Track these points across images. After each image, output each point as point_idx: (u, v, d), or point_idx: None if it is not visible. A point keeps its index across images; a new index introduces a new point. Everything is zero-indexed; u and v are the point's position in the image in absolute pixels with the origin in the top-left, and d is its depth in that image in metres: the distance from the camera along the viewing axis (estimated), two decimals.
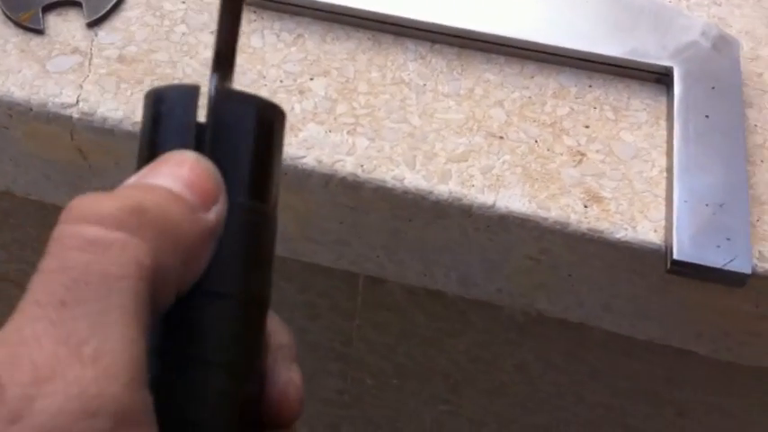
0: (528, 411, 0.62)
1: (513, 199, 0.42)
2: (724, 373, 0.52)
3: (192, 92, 0.25)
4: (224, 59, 0.26)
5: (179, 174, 0.24)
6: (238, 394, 0.25)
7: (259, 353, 0.26)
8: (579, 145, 0.45)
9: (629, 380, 0.56)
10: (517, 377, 0.58)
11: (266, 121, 0.26)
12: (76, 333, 0.20)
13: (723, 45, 0.47)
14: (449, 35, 0.48)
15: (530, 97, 0.46)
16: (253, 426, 0.26)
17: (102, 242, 0.21)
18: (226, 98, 0.25)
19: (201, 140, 0.25)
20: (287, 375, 0.27)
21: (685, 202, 0.42)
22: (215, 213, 0.24)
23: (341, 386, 0.63)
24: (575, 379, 0.57)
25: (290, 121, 0.43)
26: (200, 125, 0.25)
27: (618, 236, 0.42)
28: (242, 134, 0.26)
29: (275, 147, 0.27)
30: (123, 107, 0.43)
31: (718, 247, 0.41)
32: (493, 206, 0.42)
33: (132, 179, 0.24)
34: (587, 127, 0.45)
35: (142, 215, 0.22)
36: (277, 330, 0.27)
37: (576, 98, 0.47)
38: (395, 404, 0.64)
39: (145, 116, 0.26)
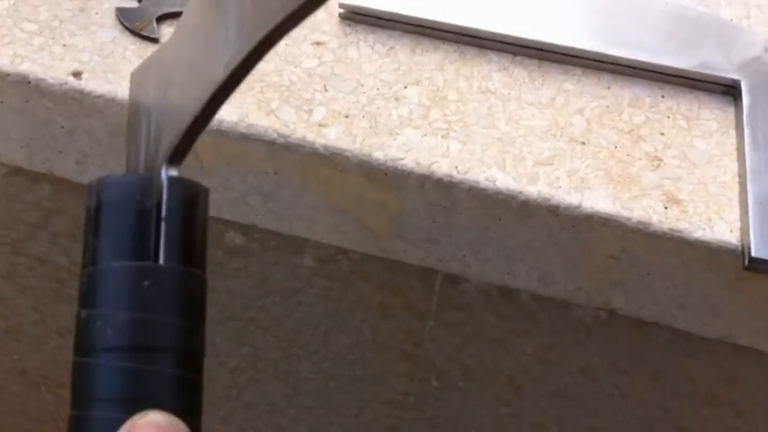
0: (588, 414, 0.64)
1: (598, 200, 0.45)
2: None
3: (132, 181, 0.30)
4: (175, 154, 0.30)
5: None
6: None
7: (197, 394, 0.30)
8: (656, 151, 0.47)
9: (690, 381, 0.58)
10: (581, 379, 0.61)
11: (189, 198, 0.30)
12: None
13: None
14: (529, 47, 0.51)
15: (607, 106, 0.49)
16: None
17: None
18: (149, 183, 0.29)
19: (147, 222, 0.29)
20: None
21: (759, 204, 0.45)
22: None
23: (407, 388, 0.66)
24: (637, 380, 0.59)
25: (388, 125, 0.46)
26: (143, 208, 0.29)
27: (696, 235, 0.45)
28: (170, 211, 0.29)
29: (199, 217, 0.30)
30: (237, 111, 0.47)
31: None
32: (579, 206, 0.45)
33: None
34: (662, 134, 0.48)
35: None
36: None
37: (651, 107, 0.49)
38: (457, 407, 0.66)
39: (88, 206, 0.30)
